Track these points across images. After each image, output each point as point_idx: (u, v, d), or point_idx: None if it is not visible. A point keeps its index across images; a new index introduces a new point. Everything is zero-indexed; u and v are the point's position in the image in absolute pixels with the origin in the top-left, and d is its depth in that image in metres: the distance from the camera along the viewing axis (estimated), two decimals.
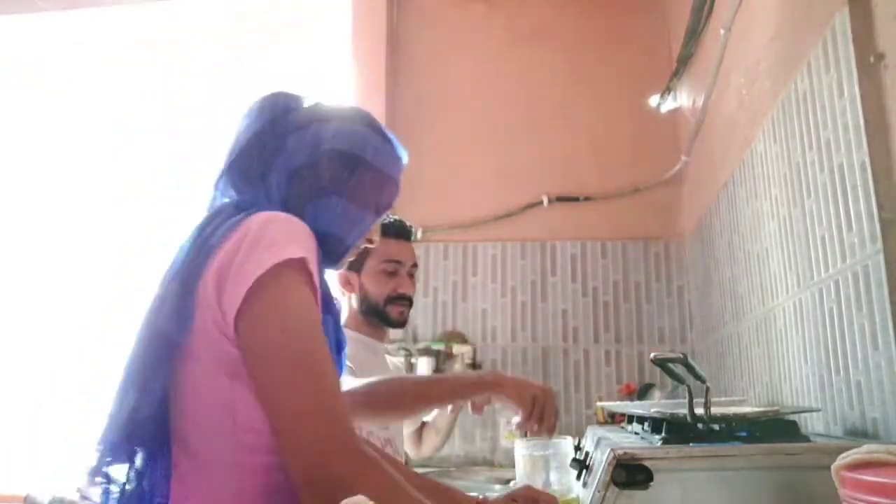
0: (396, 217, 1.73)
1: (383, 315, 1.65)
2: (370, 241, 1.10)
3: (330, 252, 1.00)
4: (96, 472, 0.83)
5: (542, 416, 1.22)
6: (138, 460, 0.84)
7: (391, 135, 1.11)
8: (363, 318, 1.67)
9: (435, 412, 1.78)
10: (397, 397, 1.30)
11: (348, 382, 1.38)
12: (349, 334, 1.59)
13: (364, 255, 1.63)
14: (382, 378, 1.33)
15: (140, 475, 0.83)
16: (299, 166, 0.97)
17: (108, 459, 0.83)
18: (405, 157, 1.15)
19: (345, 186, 1.00)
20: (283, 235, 0.85)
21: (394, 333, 2.20)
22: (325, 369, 0.83)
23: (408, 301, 1.68)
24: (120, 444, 0.83)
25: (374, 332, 1.68)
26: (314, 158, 0.98)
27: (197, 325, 0.83)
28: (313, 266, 0.86)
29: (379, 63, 2.70)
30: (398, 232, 1.69)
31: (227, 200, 0.97)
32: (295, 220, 0.89)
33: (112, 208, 2.81)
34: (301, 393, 0.80)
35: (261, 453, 0.83)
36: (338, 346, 0.99)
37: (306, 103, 1.04)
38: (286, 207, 0.95)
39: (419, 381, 1.46)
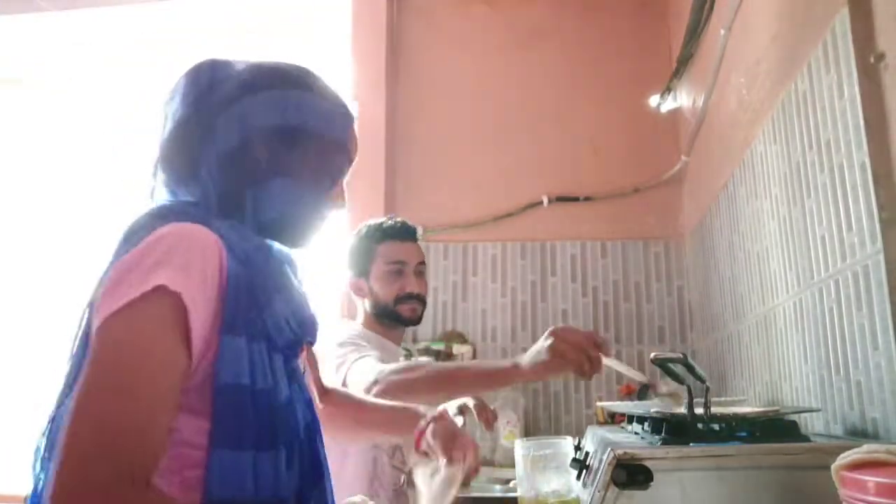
0: (399, 219, 1.77)
1: (395, 315, 1.69)
2: (338, 206, 0.98)
3: (290, 234, 0.92)
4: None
5: (578, 350, 1.26)
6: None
7: (332, 89, 0.97)
8: (377, 321, 1.72)
9: None
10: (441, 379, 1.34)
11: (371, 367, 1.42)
12: (368, 335, 1.64)
13: (369, 260, 1.68)
14: (426, 362, 1.37)
15: None
16: (230, 151, 0.86)
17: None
18: (352, 112, 0.99)
19: (286, 164, 0.89)
20: (162, 258, 0.74)
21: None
22: (123, 405, 0.68)
23: (416, 298, 1.71)
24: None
25: (388, 334, 1.72)
26: (245, 139, 0.87)
27: None
28: (196, 298, 0.74)
29: (379, 63, 2.70)
30: (400, 233, 1.73)
31: (154, 205, 0.88)
32: (190, 236, 0.77)
33: (112, 208, 2.81)
34: (77, 430, 0.67)
35: (190, 468, 0.76)
36: (293, 350, 0.87)
37: (235, 68, 0.91)
38: (223, 202, 0.86)
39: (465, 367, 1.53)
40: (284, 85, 0.90)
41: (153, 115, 0.97)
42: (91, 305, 0.78)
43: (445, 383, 1.43)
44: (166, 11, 2.87)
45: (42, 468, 0.80)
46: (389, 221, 1.75)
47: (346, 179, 1.00)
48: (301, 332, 0.88)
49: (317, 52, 2.82)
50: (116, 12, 2.87)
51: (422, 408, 1.17)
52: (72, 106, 2.99)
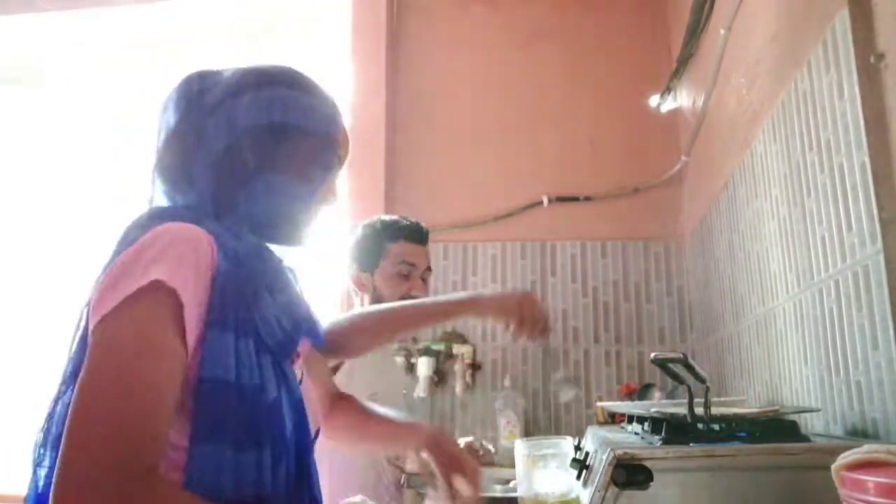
0: (414, 219, 1.72)
1: None
2: (329, 203, 0.98)
3: (284, 233, 0.93)
4: None
5: (533, 321, 1.19)
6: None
7: (318, 86, 0.97)
8: None
9: None
10: (389, 319, 1.26)
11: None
12: None
13: (378, 256, 1.64)
14: (371, 308, 1.32)
15: None
16: (220, 154, 0.88)
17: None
18: (338, 106, 0.99)
19: (276, 163, 0.90)
20: (157, 255, 0.75)
21: None
22: (125, 398, 0.69)
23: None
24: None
25: None
26: (233, 141, 0.88)
27: None
28: (190, 292, 0.75)
29: (379, 62, 2.70)
30: (414, 235, 1.68)
31: (153, 208, 0.90)
32: (183, 234, 0.78)
33: (111, 208, 2.81)
34: (81, 422, 0.68)
35: (172, 470, 0.76)
36: (284, 350, 0.87)
37: (223, 75, 0.93)
38: (217, 204, 0.87)
39: (407, 304, 1.44)
40: (269, 85, 0.91)
41: (149, 123, 0.99)
42: (89, 304, 0.78)
43: (390, 319, 1.31)
44: (166, 11, 2.87)
45: (40, 465, 0.80)
46: (405, 221, 1.70)
47: (337, 174, 0.99)
48: (295, 334, 0.88)
49: (317, 52, 2.82)
50: (116, 12, 2.87)
51: (424, 423, 1.16)
52: (72, 106, 2.99)
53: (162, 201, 0.91)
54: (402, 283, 1.65)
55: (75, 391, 0.70)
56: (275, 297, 0.86)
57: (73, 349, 0.82)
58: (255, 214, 0.89)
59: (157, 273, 0.73)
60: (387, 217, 1.71)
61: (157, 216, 0.85)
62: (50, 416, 0.80)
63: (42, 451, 0.80)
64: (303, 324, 0.91)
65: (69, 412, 0.69)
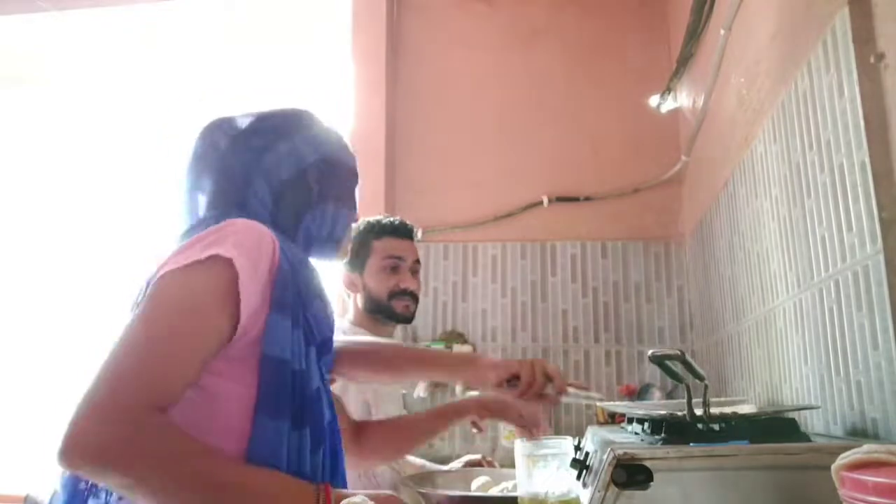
0: (396, 217, 1.77)
1: (388, 310, 1.68)
2: (356, 219, 1.18)
3: (329, 249, 1.09)
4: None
5: (540, 384, 1.16)
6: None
7: (326, 121, 1.15)
8: (368, 317, 1.71)
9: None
10: (395, 360, 1.28)
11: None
12: (356, 332, 1.64)
13: (365, 255, 1.68)
14: (383, 340, 1.35)
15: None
16: (282, 187, 1.02)
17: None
18: (344, 135, 1.17)
19: (331, 190, 1.07)
20: (223, 237, 0.86)
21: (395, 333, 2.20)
22: (155, 343, 0.79)
23: (411, 296, 1.71)
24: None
25: (378, 331, 1.71)
26: (295, 176, 1.03)
27: None
28: (246, 268, 0.84)
29: (379, 63, 2.70)
30: (398, 230, 1.73)
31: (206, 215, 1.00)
32: (253, 228, 0.90)
33: (112, 208, 2.81)
34: (113, 358, 0.78)
35: (228, 433, 0.85)
36: (325, 347, 1.01)
37: (247, 120, 1.07)
38: (275, 224, 0.99)
39: (418, 351, 1.45)
40: (306, 127, 1.08)
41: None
42: (149, 281, 0.87)
43: (403, 362, 1.32)
44: (166, 11, 2.87)
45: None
46: (387, 218, 1.76)
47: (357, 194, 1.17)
48: (331, 332, 1.03)
49: (317, 53, 2.82)
50: (116, 12, 2.87)
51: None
52: (72, 106, 2.99)
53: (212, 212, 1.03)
54: (391, 277, 1.69)
55: (121, 332, 0.80)
56: (321, 301, 1.00)
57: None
58: (313, 233, 1.05)
59: (218, 250, 0.83)
60: (369, 218, 1.76)
61: (229, 216, 0.94)
62: None
63: None
64: (332, 324, 1.05)
65: (109, 350, 0.78)
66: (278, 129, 1.05)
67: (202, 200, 1.01)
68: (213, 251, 0.83)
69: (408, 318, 1.72)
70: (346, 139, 1.16)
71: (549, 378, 1.17)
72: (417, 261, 1.76)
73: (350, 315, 1.75)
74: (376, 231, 1.72)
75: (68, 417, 0.72)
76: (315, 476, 0.89)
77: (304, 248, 1.05)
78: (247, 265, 0.84)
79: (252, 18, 2.86)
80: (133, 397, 0.75)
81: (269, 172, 1.01)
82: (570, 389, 1.18)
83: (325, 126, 1.11)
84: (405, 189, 2.66)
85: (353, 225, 1.77)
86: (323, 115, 1.14)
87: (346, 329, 1.65)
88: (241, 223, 0.90)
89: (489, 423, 1.63)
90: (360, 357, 1.24)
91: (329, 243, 1.09)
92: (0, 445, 2.57)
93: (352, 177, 1.14)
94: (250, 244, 0.87)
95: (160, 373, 0.78)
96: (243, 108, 1.09)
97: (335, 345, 1.16)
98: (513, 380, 1.17)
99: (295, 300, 0.91)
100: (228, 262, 0.83)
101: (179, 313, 0.82)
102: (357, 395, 1.62)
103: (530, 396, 1.16)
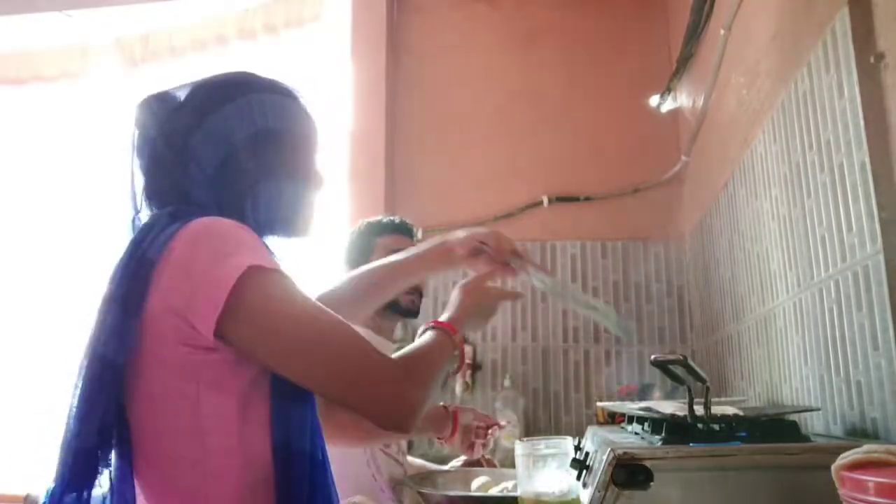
0: (396, 216, 1.80)
1: (395, 304, 1.68)
2: (321, 187, 1.04)
3: (291, 228, 0.98)
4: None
5: (503, 250, 1.24)
6: (96, 488, 0.82)
7: (278, 82, 1.01)
8: (372, 313, 1.69)
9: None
10: (371, 282, 1.28)
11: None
12: (359, 330, 1.62)
13: (367, 251, 1.69)
14: (352, 274, 1.31)
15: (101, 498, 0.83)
16: (217, 167, 0.91)
17: (64, 489, 0.80)
18: (299, 92, 1.02)
19: (273, 166, 0.94)
20: (233, 243, 0.84)
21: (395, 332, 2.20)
22: (338, 330, 0.86)
23: (417, 291, 1.72)
24: (71, 476, 0.80)
25: (380, 325, 1.70)
26: (228, 154, 0.92)
27: (147, 342, 0.82)
28: (268, 259, 0.85)
29: (379, 62, 2.70)
30: (399, 228, 1.76)
31: (156, 212, 0.92)
32: (229, 224, 0.86)
33: (112, 209, 2.81)
34: (339, 363, 0.85)
35: (228, 455, 0.83)
36: None
37: (183, 92, 0.96)
38: (223, 210, 0.90)
39: (387, 262, 1.43)
40: (243, 94, 0.95)
41: (117, 163, 1.03)
42: (169, 310, 0.83)
43: (378, 280, 1.31)
44: (166, 11, 2.87)
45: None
46: (388, 217, 1.78)
47: (320, 159, 1.04)
48: None
49: (317, 53, 2.82)
50: (116, 12, 2.87)
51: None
52: (72, 106, 2.99)
53: (153, 210, 0.94)
54: None
55: (289, 356, 0.85)
56: None
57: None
58: (263, 216, 0.94)
59: (252, 260, 0.82)
60: (370, 219, 1.79)
61: (177, 214, 0.88)
62: (78, 437, 0.83)
63: (78, 475, 0.82)
64: None
65: (306, 371, 0.85)
66: (206, 102, 0.93)
67: (139, 195, 0.94)
68: (247, 263, 0.82)
69: (414, 313, 1.74)
70: (302, 99, 1.01)
71: (514, 254, 1.25)
72: None
73: None
74: (378, 229, 1.74)
75: (380, 400, 0.86)
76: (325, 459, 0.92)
77: (259, 233, 0.92)
78: (268, 259, 0.87)
79: (252, 18, 2.85)
80: (382, 359, 0.87)
81: (200, 156, 0.91)
82: (531, 268, 1.25)
83: (265, 91, 0.97)
84: (405, 189, 2.66)
85: (354, 226, 1.79)
86: (268, 77, 1.01)
87: None
88: (222, 224, 0.87)
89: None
90: (339, 301, 1.19)
91: (285, 223, 0.97)
92: (0, 445, 2.57)
93: (304, 143, 0.99)
94: (253, 241, 0.87)
95: (363, 340, 0.88)
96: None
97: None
98: (481, 248, 1.25)
99: None
100: (260, 268, 0.84)
101: (305, 304, 0.87)
102: None
103: (498, 264, 1.24)
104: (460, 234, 1.28)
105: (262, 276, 0.82)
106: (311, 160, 1.01)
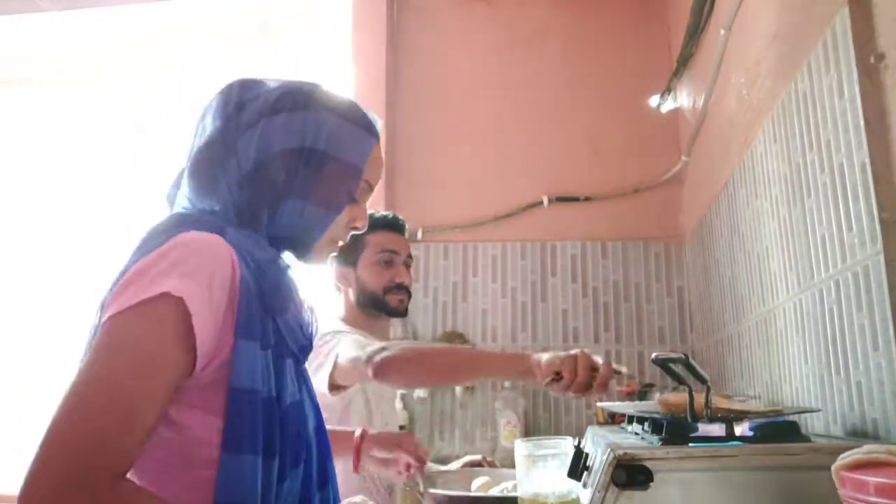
0: (389, 212, 1.78)
1: (383, 304, 1.67)
2: (356, 228, 1.01)
3: (301, 252, 0.96)
4: None
5: (583, 379, 1.24)
6: None
7: (355, 107, 0.99)
8: (361, 312, 1.69)
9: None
10: (451, 366, 1.32)
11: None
12: (346, 330, 1.61)
13: (358, 248, 1.67)
14: (442, 345, 1.35)
15: None
16: (249, 171, 0.89)
17: None
18: (375, 129, 1.01)
19: (302, 186, 0.91)
20: (171, 266, 0.76)
21: (393, 333, 2.20)
22: (108, 400, 0.70)
23: (405, 290, 1.70)
24: None
25: (372, 327, 1.69)
26: (264, 161, 0.89)
27: None
28: (200, 299, 0.76)
29: (379, 63, 2.70)
30: (392, 224, 1.73)
31: (174, 213, 0.92)
32: (204, 245, 0.80)
33: (113, 208, 2.81)
34: (64, 419, 0.69)
35: (205, 467, 0.78)
36: (303, 354, 0.94)
37: (265, 87, 0.94)
38: (239, 215, 0.89)
39: (470, 355, 1.47)
40: (303, 108, 0.93)
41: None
42: (102, 306, 0.80)
43: (458, 364, 1.40)
44: (166, 11, 2.87)
45: None
46: (380, 213, 1.75)
47: (365, 200, 1.01)
48: (309, 339, 0.93)
49: (317, 52, 2.82)
50: (116, 12, 2.87)
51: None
52: (72, 106, 2.99)
53: (183, 202, 0.93)
54: (385, 271, 1.68)
55: (68, 387, 0.71)
56: (294, 305, 0.90)
57: (87, 350, 0.83)
58: (276, 231, 0.92)
59: (166, 286, 0.74)
60: None
61: (179, 223, 0.87)
62: None
63: None
64: (310, 329, 0.95)
65: (57, 405, 0.70)
66: (269, 104, 0.92)
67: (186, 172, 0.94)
68: (161, 288, 0.74)
69: (402, 313, 1.72)
70: (366, 132, 0.98)
71: (594, 370, 1.25)
72: (410, 255, 1.76)
73: (341, 312, 1.72)
74: (369, 225, 1.72)
75: (23, 479, 0.66)
76: (289, 500, 0.84)
77: (270, 243, 0.91)
78: (199, 294, 0.76)
79: (252, 18, 2.86)
80: (88, 463, 0.67)
81: (240, 154, 0.89)
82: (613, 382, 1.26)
83: (328, 111, 0.94)
84: (405, 189, 2.66)
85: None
86: (345, 99, 0.98)
87: (336, 328, 1.62)
88: (192, 242, 0.80)
89: (489, 423, 1.64)
90: (410, 365, 1.23)
91: (298, 246, 0.95)
92: (0, 445, 2.57)
93: (345, 174, 0.94)
94: (201, 268, 0.78)
95: (115, 434, 0.69)
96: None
97: (387, 353, 1.15)
98: (558, 376, 1.25)
99: (263, 318, 0.83)
100: (179, 302, 0.74)
101: (132, 366, 0.73)
102: (358, 395, 1.61)
103: (575, 391, 1.25)
104: (545, 357, 1.29)
105: (140, 315, 0.74)
106: (345, 193, 0.95)
